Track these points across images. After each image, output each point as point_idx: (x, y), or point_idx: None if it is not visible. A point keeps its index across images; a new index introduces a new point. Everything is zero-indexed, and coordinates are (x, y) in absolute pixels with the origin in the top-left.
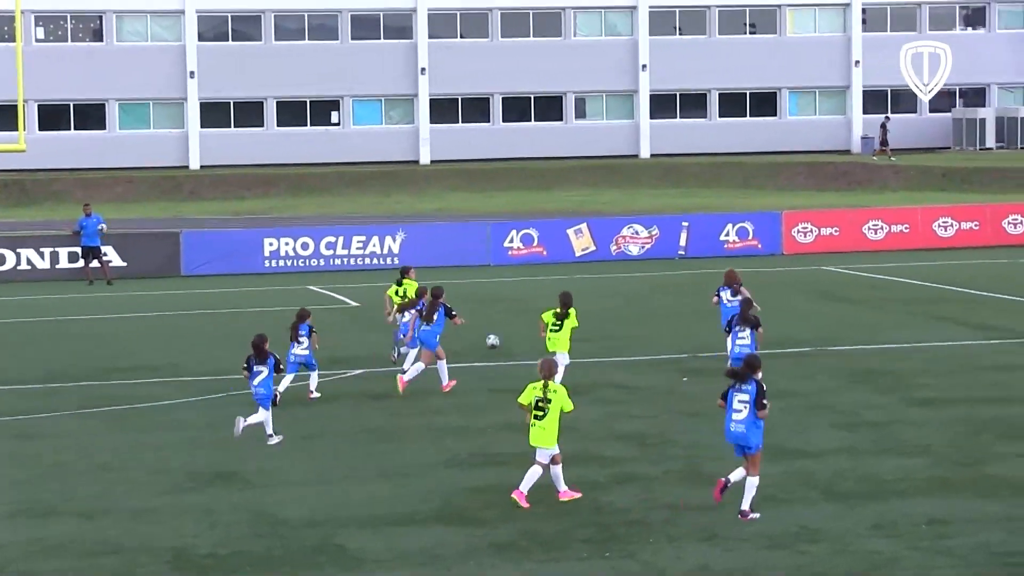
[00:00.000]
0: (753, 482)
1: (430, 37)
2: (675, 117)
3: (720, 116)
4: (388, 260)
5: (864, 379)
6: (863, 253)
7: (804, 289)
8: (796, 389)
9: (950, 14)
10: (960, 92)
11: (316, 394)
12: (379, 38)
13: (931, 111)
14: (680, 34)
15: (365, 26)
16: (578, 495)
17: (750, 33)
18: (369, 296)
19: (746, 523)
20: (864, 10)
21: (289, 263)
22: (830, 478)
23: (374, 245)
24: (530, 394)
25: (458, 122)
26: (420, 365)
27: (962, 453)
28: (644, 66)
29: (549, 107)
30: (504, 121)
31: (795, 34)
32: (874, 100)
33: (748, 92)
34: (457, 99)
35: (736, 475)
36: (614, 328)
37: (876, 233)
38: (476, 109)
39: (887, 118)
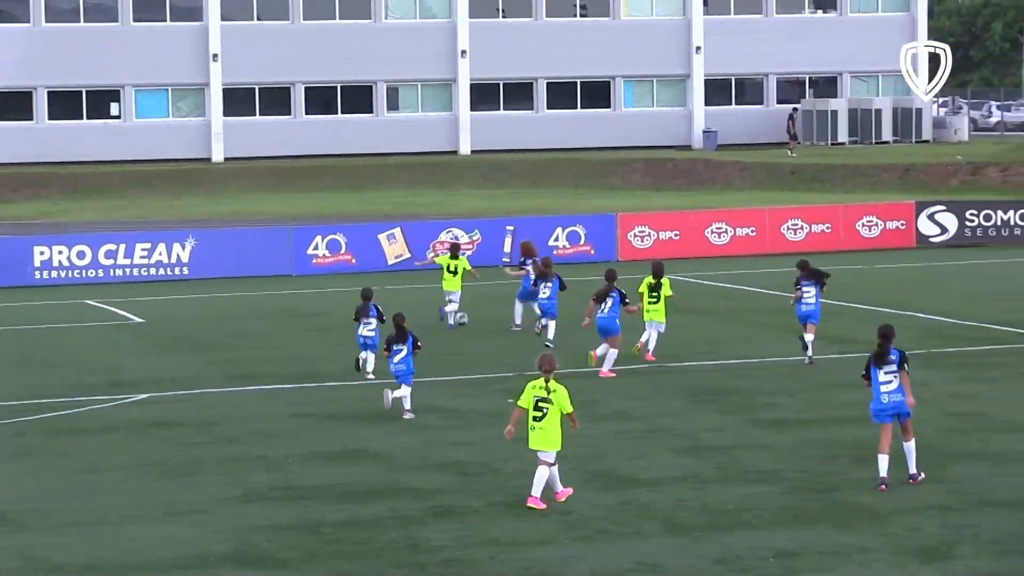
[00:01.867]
0: (912, 445)
1: (223, 19)
2: (498, 109)
3: (548, 108)
4: (177, 270)
5: (707, 399)
6: (706, 259)
7: None
8: (632, 411)
9: None
10: (810, 81)
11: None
12: (165, 20)
13: (779, 102)
14: (504, 16)
15: (149, 6)
16: (570, 491)
17: (581, 16)
18: (155, 311)
19: (916, 485)
20: None
21: (63, 274)
22: (670, 508)
23: (160, 253)
24: (529, 394)
25: (255, 115)
26: (613, 353)
27: (815, 479)
28: (464, 52)
29: (358, 98)
30: (307, 113)
31: (630, 17)
32: (717, 90)
33: (579, 81)
34: (254, 89)
35: (884, 467)
36: (430, 345)
37: (720, 237)
38: (276, 100)
39: (795, 109)
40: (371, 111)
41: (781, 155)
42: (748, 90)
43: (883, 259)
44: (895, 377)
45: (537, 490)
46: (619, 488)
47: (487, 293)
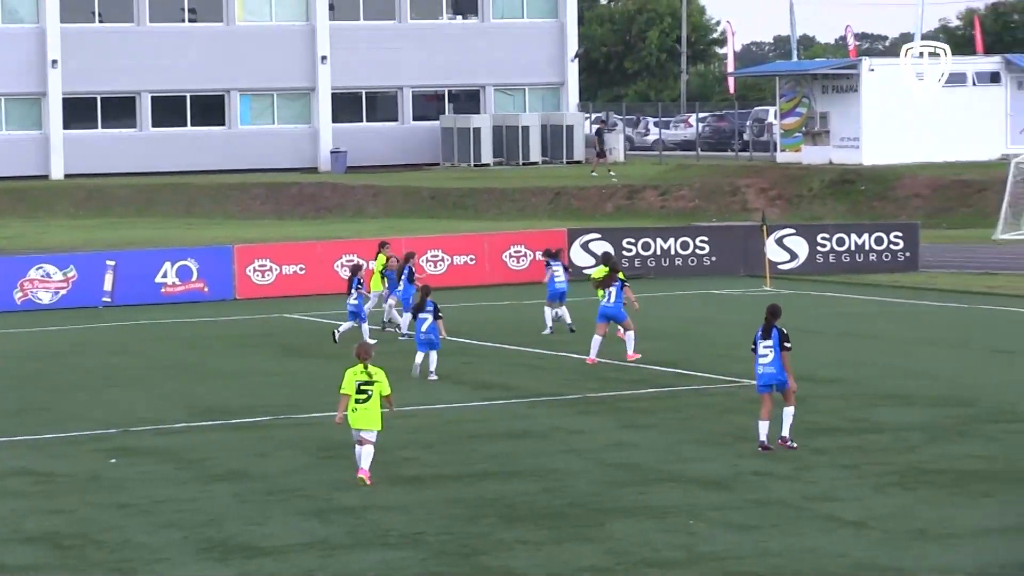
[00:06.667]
0: (791, 411)
1: None
2: (96, 127)
3: (154, 125)
4: None
5: (336, 454)
6: (336, 296)
7: (260, 343)
8: (250, 470)
9: (435, 0)
10: (450, 96)
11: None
12: None
13: (415, 119)
14: (100, 21)
15: None
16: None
17: (190, 21)
18: None
19: (786, 448)
20: None
21: None
22: None
23: None
24: (351, 379)
25: None
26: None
27: (458, 542)
28: (54, 62)
29: None
30: None
31: (246, 22)
32: (345, 106)
33: (189, 95)
34: None
35: (763, 432)
36: (18, 399)
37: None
38: None
39: (603, 121)
40: None
41: (417, 178)
42: (381, 105)
43: (530, 293)
44: (770, 351)
45: (366, 463)
46: (238, 558)
47: (74, 338)
